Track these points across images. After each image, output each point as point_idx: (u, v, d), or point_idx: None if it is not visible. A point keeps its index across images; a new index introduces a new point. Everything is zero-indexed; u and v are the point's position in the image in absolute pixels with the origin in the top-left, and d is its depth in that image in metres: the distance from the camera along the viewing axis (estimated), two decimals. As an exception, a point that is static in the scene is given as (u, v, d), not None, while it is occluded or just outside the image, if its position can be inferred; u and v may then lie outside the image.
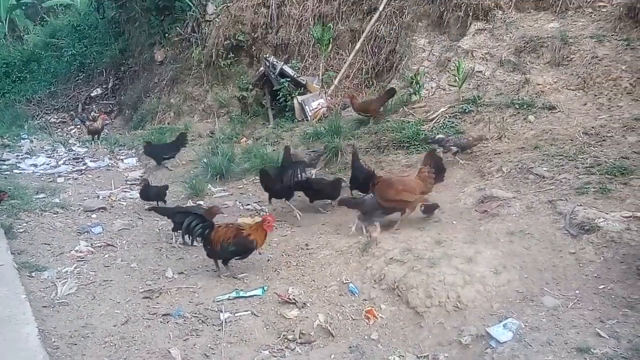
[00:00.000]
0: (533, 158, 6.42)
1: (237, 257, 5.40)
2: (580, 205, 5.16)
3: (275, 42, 12.52)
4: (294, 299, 4.79)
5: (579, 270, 4.54)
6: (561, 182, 5.77)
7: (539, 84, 8.09)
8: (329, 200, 7.09)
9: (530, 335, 3.87)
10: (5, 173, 9.44)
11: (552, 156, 6.32)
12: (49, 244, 6.20)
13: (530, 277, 4.56)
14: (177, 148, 9.79)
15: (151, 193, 7.50)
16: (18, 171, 9.79)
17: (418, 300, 4.51)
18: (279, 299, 4.83)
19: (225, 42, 12.72)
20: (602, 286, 4.30)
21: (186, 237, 5.86)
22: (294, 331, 4.44)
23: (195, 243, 6.01)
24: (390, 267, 4.89)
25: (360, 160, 7.27)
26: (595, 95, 7.53)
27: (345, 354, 4.19)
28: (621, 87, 7.40)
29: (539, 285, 4.47)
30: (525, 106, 7.61)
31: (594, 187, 5.46)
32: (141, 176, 9.45)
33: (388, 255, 5.05)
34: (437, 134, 7.55)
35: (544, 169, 6.11)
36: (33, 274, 5.33)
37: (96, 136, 11.70)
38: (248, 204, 7.39)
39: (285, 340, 4.37)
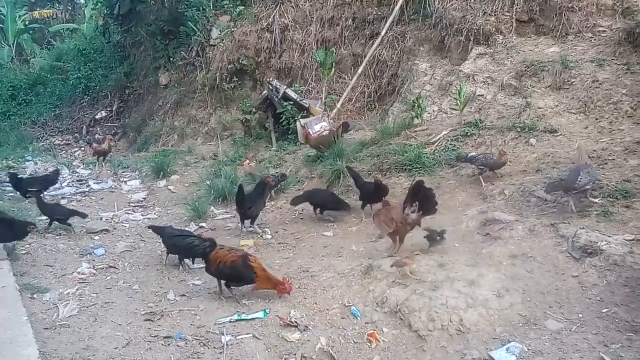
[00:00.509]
0: (535, 181, 6.44)
1: (230, 283, 5.35)
2: (583, 228, 5.15)
3: (278, 66, 12.69)
4: (295, 321, 4.77)
5: (582, 293, 4.52)
6: (563, 205, 5.77)
7: (540, 108, 8.15)
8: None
9: (533, 359, 3.84)
10: (10, 194, 9.47)
11: (554, 179, 6.33)
12: (51, 266, 6.18)
13: (533, 300, 4.54)
14: (47, 183, 9.28)
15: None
16: (22, 193, 9.81)
17: (420, 324, 4.49)
18: (281, 321, 4.80)
19: (229, 66, 12.90)
20: (606, 310, 4.28)
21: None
22: (295, 354, 4.41)
23: (195, 264, 6.12)
24: (392, 290, 4.87)
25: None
26: (597, 119, 7.59)
27: (347, 378, 4.16)
28: (622, 110, 7.46)
29: (542, 308, 4.45)
30: (526, 129, 7.66)
31: (596, 210, 5.46)
32: (144, 198, 9.47)
33: (390, 278, 5.04)
34: (470, 152, 7.55)
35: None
36: (35, 296, 5.31)
37: (102, 158, 11.77)
38: (250, 227, 7.39)
39: (287, 364, 4.35)
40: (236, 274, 5.24)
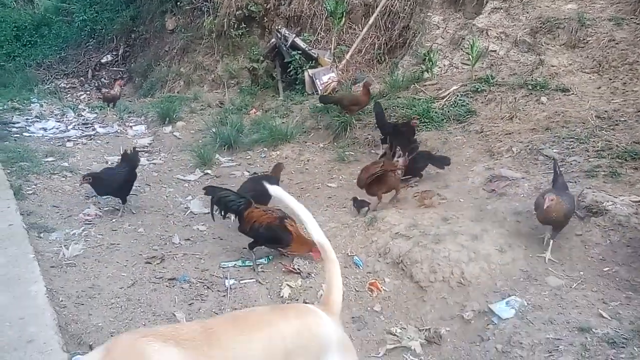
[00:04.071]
0: (544, 139, 6.38)
1: (267, 244, 5.11)
2: (589, 188, 5.13)
3: (287, 14, 12.37)
4: (298, 269, 4.83)
5: (584, 252, 4.54)
6: (571, 164, 5.74)
7: (553, 66, 7.98)
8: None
9: (532, 314, 3.89)
10: (15, 136, 9.45)
11: (563, 138, 6.27)
12: (57, 207, 6.23)
13: (535, 256, 4.57)
14: None
15: None
16: (27, 134, 9.79)
17: (422, 275, 4.54)
18: (284, 268, 4.87)
19: (237, 13, 12.59)
20: (607, 268, 4.31)
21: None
22: (297, 300, 4.48)
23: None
24: (395, 242, 4.91)
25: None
26: (610, 79, 7.43)
27: (348, 324, 4.23)
28: (637, 71, 7.28)
29: (544, 265, 4.47)
30: (538, 87, 7.53)
31: (604, 171, 5.42)
32: (150, 143, 9.45)
33: (394, 230, 5.07)
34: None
35: (554, 150, 6.07)
36: (42, 235, 5.38)
37: (112, 104, 11.71)
38: (255, 174, 7.41)
39: (289, 309, 4.42)
40: (272, 236, 4.95)
